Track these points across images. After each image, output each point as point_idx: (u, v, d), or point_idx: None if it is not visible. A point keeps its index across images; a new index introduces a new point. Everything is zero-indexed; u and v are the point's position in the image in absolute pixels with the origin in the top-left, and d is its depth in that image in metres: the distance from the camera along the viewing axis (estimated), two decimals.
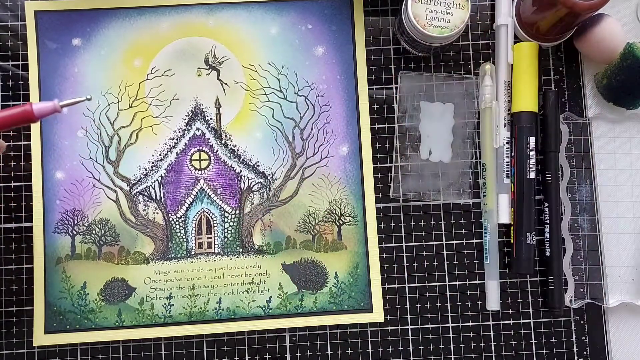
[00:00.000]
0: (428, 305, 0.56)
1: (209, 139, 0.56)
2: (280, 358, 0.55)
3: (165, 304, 0.55)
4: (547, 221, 0.55)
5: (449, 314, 0.56)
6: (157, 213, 0.56)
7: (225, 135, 0.56)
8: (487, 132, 0.55)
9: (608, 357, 0.56)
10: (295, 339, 0.56)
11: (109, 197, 0.56)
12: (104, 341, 0.55)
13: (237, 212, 0.56)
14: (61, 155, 0.56)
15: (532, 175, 0.55)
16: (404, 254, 0.57)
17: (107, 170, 0.56)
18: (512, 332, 0.56)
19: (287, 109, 0.57)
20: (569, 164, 0.57)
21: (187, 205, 0.56)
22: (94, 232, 0.55)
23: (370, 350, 0.56)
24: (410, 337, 0.56)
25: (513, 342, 0.56)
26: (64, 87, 0.56)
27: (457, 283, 0.56)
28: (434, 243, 0.57)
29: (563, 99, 0.58)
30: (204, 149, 0.56)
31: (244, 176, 0.56)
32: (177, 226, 0.56)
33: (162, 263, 0.55)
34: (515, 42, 0.56)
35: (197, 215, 0.56)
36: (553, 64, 0.58)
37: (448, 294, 0.56)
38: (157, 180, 0.56)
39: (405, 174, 0.57)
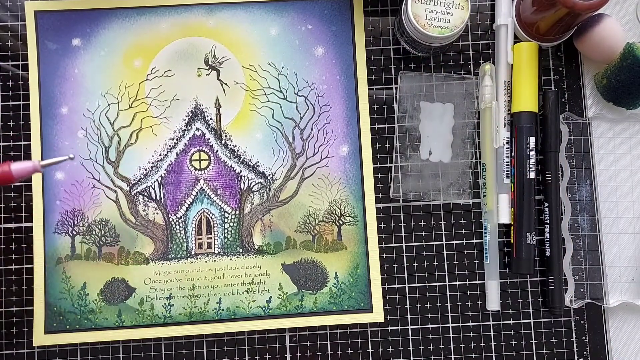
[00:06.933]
0: (428, 305, 0.56)
1: (209, 139, 0.56)
2: (280, 358, 0.55)
3: (165, 304, 0.55)
4: (547, 221, 0.55)
5: (449, 314, 0.56)
6: (157, 213, 0.56)
7: (225, 136, 0.56)
8: (487, 132, 0.55)
9: (608, 357, 0.56)
10: (295, 339, 0.56)
11: (109, 198, 0.56)
12: (104, 341, 0.55)
13: (237, 212, 0.56)
14: (61, 155, 0.55)
15: (532, 175, 0.55)
16: (404, 254, 0.57)
17: (107, 170, 0.56)
18: (512, 332, 0.56)
19: (287, 110, 0.57)
20: (569, 164, 0.57)
21: (187, 206, 0.56)
22: (94, 232, 0.55)
23: (370, 350, 0.56)
24: (410, 337, 0.56)
25: (513, 342, 0.56)
26: (63, 87, 0.56)
27: (457, 283, 0.56)
28: (434, 243, 0.57)
29: (563, 99, 0.58)
30: (204, 149, 0.56)
31: (244, 176, 0.56)
32: (177, 226, 0.56)
33: (162, 263, 0.55)
34: (515, 42, 0.56)
35: (197, 215, 0.56)
36: (553, 64, 0.58)
37: (448, 294, 0.56)
38: (157, 180, 0.56)
39: (405, 174, 0.57)
